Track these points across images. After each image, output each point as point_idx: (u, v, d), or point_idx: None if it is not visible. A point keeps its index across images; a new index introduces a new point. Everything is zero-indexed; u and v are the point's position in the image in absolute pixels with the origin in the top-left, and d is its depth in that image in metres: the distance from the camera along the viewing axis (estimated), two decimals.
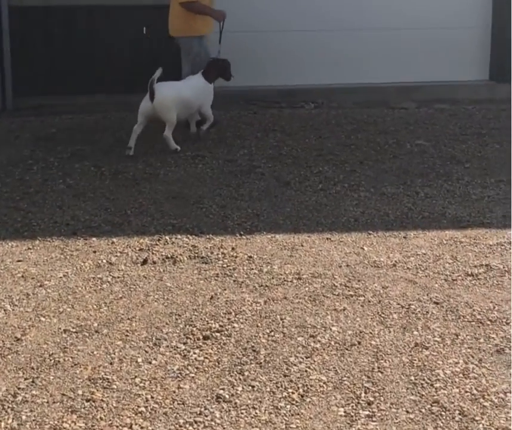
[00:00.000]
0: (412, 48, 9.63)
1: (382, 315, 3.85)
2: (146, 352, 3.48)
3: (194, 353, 3.46)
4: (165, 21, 7.71)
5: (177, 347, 3.51)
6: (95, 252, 4.68)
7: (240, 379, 3.26)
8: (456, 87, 9.54)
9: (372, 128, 8.06)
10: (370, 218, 5.39)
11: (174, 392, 3.16)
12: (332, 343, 3.56)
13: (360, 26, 9.59)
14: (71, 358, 3.42)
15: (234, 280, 4.28)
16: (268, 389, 3.19)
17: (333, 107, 9.09)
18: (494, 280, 4.29)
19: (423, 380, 3.27)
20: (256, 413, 3.03)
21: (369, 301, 4.00)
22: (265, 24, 9.38)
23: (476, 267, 4.49)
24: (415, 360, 3.42)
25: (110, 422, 2.96)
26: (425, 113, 8.70)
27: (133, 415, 3.01)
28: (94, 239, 4.90)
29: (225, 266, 4.48)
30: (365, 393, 3.17)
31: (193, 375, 3.29)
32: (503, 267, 4.46)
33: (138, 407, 3.06)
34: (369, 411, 3.05)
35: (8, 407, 3.06)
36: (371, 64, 9.62)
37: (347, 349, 3.50)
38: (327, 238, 4.99)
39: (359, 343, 3.56)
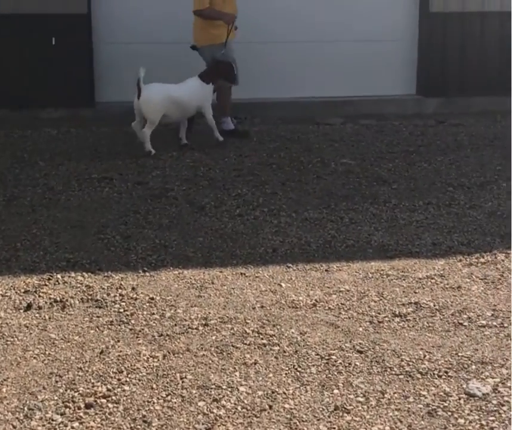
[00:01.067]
0: (338, 61, 9.26)
1: (299, 369, 3.35)
2: (14, 427, 2.89)
3: (72, 427, 2.88)
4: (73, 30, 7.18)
5: (52, 420, 2.92)
6: None
7: None
8: (383, 102, 9.21)
9: (296, 145, 7.61)
10: (290, 247, 4.90)
11: None
12: (239, 408, 3.03)
13: (284, 39, 9.17)
14: None
15: (130, 329, 3.71)
16: None
17: (256, 123, 8.63)
18: (424, 322, 3.84)
19: None
20: None
21: (284, 352, 3.50)
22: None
23: (404, 305, 4.04)
24: (334, 428, 2.92)
25: None
26: (350, 129, 8.31)
27: None
28: None
29: (122, 310, 3.91)
30: None
31: None
32: (434, 305, 4.02)
33: None
34: None
35: None
36: (297, 77, 9.21)
37: (255, 416, 2.98)
38: (241, 273, 4.47)
39: (270, 407, 3.04)
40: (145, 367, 3.34)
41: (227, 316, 3.85)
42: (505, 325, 3.78)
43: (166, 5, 8.88)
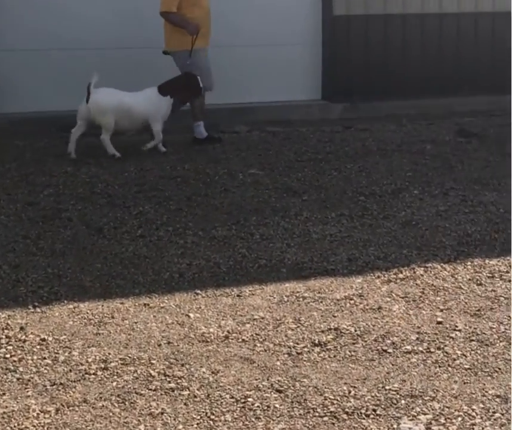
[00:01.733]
0: (241, 66, 8.93)
1: (212, 417, 2.97)
2: None
3: None
4: None
5: None
6: None
7: None
8: (289, 108, 8.95)
9: (201, 156, 7.23)
10: (198, 271, 4.52)
11: None
12: None
13: None
14: None
15: (18, 378, 3.25)
16: None
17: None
18: (346, 351, 3.54)
19: None
20: None
21: (195, 397, 3.12)
22: (96, 41, 8.37)
23: (324, 332, 3.72)
24: None
25: None
26: (257, 137, 8.01)
27: None
28: None
29: (8, 355, 3.44)
30: None
31: None
32: (355, 330, 3.73)
33: None
34: None
35: None
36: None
37: None
38: (144, 304, 4.06)
39: None
40: (34, 425, 2.89)
41: (129, 357, 3.44)
42: (432, 349, 3.53)
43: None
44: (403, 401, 3.08)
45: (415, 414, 3.00)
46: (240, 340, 3.65)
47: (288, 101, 9.08)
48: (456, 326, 3.76)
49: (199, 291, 4.22)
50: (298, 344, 3.60)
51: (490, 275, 4.46)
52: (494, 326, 3.76)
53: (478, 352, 3.50)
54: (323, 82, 9.38)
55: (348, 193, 6.12)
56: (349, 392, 3.16)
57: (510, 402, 3.04)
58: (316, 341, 3.62)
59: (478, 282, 4.36)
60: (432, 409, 3.02)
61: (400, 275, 4.46)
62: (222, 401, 3.08)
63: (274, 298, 4.14)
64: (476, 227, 5.28)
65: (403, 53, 9.70)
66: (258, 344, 3.60)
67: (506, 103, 9.79)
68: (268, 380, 3.25)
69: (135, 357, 3.44)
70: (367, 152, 7.50)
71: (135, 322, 3.82)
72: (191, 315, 3.92)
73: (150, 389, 3.16)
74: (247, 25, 8.95)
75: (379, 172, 6.73)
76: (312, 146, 7.69)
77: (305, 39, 9.28)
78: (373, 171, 6.77)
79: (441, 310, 3.97)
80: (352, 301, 4.09)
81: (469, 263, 4.64)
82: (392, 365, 3.40)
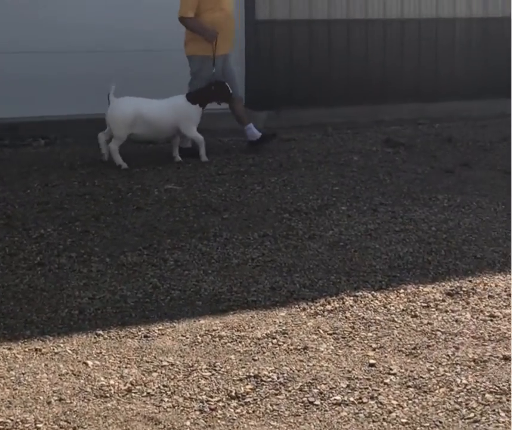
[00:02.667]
0: (161, 71, 8.38)
1: None
2: None
3: None
4: None
5: None
6: None
7: None
8: (210, 116, 8.41)
9: (113, 170, 6.67)
10: (101, 306, 3.99)
11: None
12: None
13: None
14: None
15: None
16: None
17: (69, 144, 7.61)
18: (267, 404, 3.07)
19: None
20: None
21: None
22: None
23: (242, 381, 3.25)
24: None
25: None
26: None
27: None
28: None
29: None
30: None
31: None
32: (278, 378, 3.27)
33: None
34: None
35: None
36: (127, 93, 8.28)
37: None
38: (36, 349, 3.51)
39: None
40: None
41: (12, 419, 2.90)
42: (364, 399, 3.10)
43: None
44: None
45: None
46: (145, 393, 3.15)
47: (209, 109, 8.57)
48: (391, 369, 3.34)
49: (100, 332, 3.70)
50: (212, 397, 3.12)
51: (425, 305, 4.08)
52: (433, 368, 3.36)
53: (416, 401, 3.10)
54: (246, 89, 8.92)
55: (272, 210, 5.68)
56: None
57: None
58: (233, 393, 3.15)
59: (413, 313, 3.97)
60: None
61: (328, 306, 4.04)
62: None
63: (187, 338, 3.65)
64: (408, 248, 4.91)
65: (328, 60, 9.35)
66: (166, 399, 3.11)
67: (431, 110, 9.58)
68: None
69: (18, 419, 2.91)
70: (293, 164, 7.08)
71: (23, 374, 3.27)
72: (90, 363, 3.39)
73: None
74: (165, 29, 8.44)
75: (304, 186, 6.32)
76: (234, 157, 7.23)
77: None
78: (298, 185, 6.36)
79: (374, 349, 3.55)
80: (274, 340, 3.64)
81: (402, 291, 4.25)
82: (320, 421, 2.96)
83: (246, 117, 7.55)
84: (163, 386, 3.20)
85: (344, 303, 4.09)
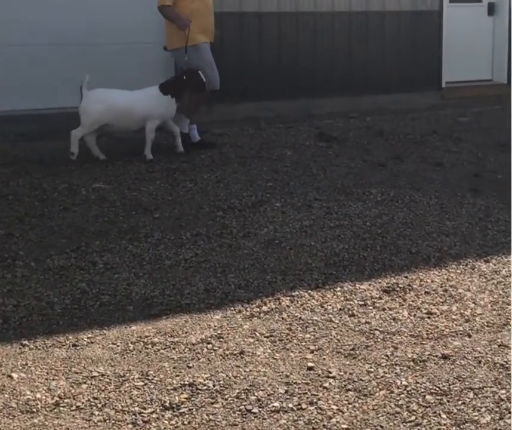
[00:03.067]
0: (92, 65, 8.14)
1: None
2: None
3: None
4: None
5: None
6: None
7: None
8: None
9: (38, 168, 6.43)
10: (26, 314, 3.79)
11: None
12: None
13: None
14: None
15: None
16: None
17: None
18: (203, 414, 2.94)
19: None
20: None
21: None
22: None
23: (176, 390, 3.11)
24: None
25: None
26: (104, 144, 7.26)
27: None
28: None
29: None
30: None
31: None
32: (214, 385, 3.14)
33: None
34: None
35: None
36: (39, 86, 8.00)
37: None
38: None
39: None
40: None
41: None
42: (303, 405, 3.00)
43: None
44: None
45: None
46: (74, 407, 2.97)
47: None
48: (330, 372, 3.25)
49: (26, 342, 3.50)
50: (145, 408, 2.97)
51: (362, 303, 4.01)
52: (372, 369, 3.29)
53: (356, 405, 3.01)
54: None
55: (205, 208, 5.55)
56: None
57: None
58: (167, 403, 3.00)
59: (350, 312, 3.89)
60: None
61: (264, 308, 3.93)
62: None
63: (118, 346, 3.49)
64: (343, 244, 4.85)
65: (259, 53, 9.26)
66: (96, 412, 2.95)
67: (363, 104, 9.60)
68: None
69: None
70: (225, 160, 6.96)
71: None
72: (15, 376, 3.20)
73: None
74: (99, 22, 8.22)
75: (238, 183, 6.21)
76: (165, 154, 7.06)
77: (158, 37, 8.61)
78: (231, 182, 6.24)
79: (312, 351, 3.46)
80: (210, 346, 3.51)
81: (338, 289, 4.18)
82: (259, 429, 2.86)
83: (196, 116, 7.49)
84: (93, 398, 3.04)
85: (280, 303, 3.99)
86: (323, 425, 2.88)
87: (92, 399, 3.03)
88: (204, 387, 3.13)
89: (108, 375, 3.21)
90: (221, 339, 3.57)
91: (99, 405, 2.99)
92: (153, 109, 6.78)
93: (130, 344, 3.50)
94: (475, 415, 2.94)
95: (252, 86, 9.13)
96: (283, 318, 3.82)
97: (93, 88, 6.64)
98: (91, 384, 3.15)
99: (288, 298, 4.05)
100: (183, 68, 7.03)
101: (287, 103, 9.25)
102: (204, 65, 7.07)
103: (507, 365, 3.32)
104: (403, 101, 9.87)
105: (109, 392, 3.09)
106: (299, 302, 4.01)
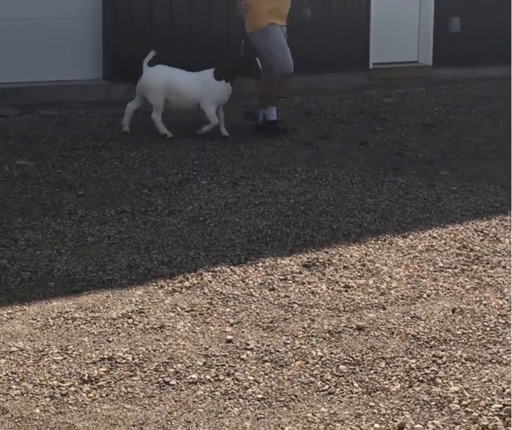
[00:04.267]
0: (9, 41, 7.98)
1: None
2: None
3: None
4: None
5: None
6: None
7: None
8: (66, 88, 8.15)
9: None
10: None
11: None
12: None
13: None
14: None
15: None
16: None
17: None
18: (121, 387, 2.97)
19: None
20: None
21: None
22: None
23: (95, 364, 3.13)
24: None
25: None
26: (29, 121, 7.16)
27: None
28: None
29: None
30: None
31: None
32: (133, 359, 3.17)
33: None
34: None
35: None
36: None
37: None
38: None
39: None
40: None
41: None
42: (221, 377, 3.07)
43: None
44: None
45: None
46: None
47: (65, 80, 8.27)
48: (248, 345, 3.33)
49: None
50: (63, 382, 3.00)
51: (283, 277, 4.10)
52: (289, 341, 3.38)
53: (272, 375, 3.10)
54: (105, 60, 8.65)
55: (131, 186, 5.55)
56: None
57: None
58: (86, 377, 3.03)
59: (271, 286, 3.98)
60: None
61: (186, 283, 3.98)
62: None
63: (38, 322, 3.49)
64: (267, 221, 4.93)
65: (190, 31, 9.22)
66: (14, 386, 2.96)
67: (292, 84, 9.67)
68: None
69: None
70: (153, 138, 6.93)
71: None
72: None
73: None
74: None
75: (165, 161, 6.21)
76: (91, 131, 7.00)
77: (84, 12, 8.50)
78: (158, 160, 6.24)
79: (231, 325, 3.53)
80: (130, 320, 3.54)
81: (260, 264, 4.26)
82: (176, 401, 2.91)
83: (271, 99, 7.28)
84: (12, 373, 3.04)
85: (202, 278, 4.04)
86: (239, 395, 2.96)
87: (10, 374, 3.04)
88: (124, 361, 3.17)
89: (27, 350, 3.22)
90: (142, 314, 3.61)
91: (17, 380, 3.00)
92: (205, 93, 6.76)
93: (50, 320, 3.51)
94: (386, 384, 3.06)
95: (183, 64, 9.07)
96: (204, 293, 3.88)
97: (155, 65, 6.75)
98: (10, 359, 3.15)
99: (210, 273, 4.11)
100: (241, 53, 7.01)
101: None
102: (273, 49, 6.94)
103: (418, 336, 3.46)
104: (331, 82, 9.98)
105: (27, 367, 3.10)
106: (221, 277, 4.07)
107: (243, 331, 3.47)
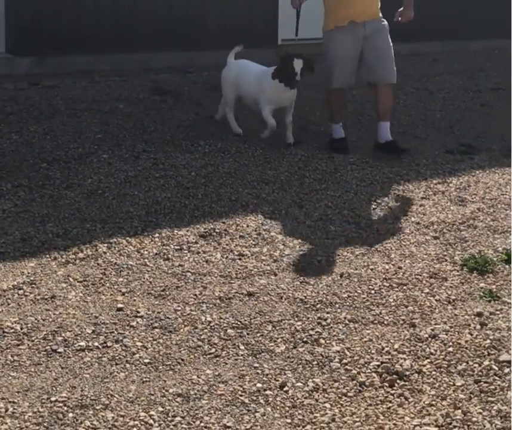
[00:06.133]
0: None
1: None
2: None
3: None
4: None
5: None
6: None
7: None
8: None
9: None
10: None
11: None
12: None
13: None
14: None
15: None
16: None
17: None
18: (7, 355, 2.97)
19: None
20: None
21: None
22: None
23: None
24: None
25: None
26: None
27: None
28: None
29: None
30: None
31: None
32: (21, 328, 3.17)
33: None
34: None
35: None
36: None
37: None
38: None
39: None
40: None
41: None
42: (109, 344, 3.11)
43: None
44: (70, 415, 2.63)
45: (85, 429, 2.56)
46: None
47: None
48: (138, 312, 3.38)
49: None
50: None
51: (178, 247, 4.15)
52: (180, 308, 3.44)
53: (161, 341, 3.16)
54: (7, 33, 8.46)
55: (29, 160, 5.47)
56: (7, 410, 2.63)
57: None
58: None
59: (165, 256, 4.02)
60: (105, 422, 2.60)
61: (80, 254, 3.98)
62: None
63: None
64: (166, 193, 4.95)
65: (96, 4, 9.10)
66: None
67: (201, 59, 9.68)
68: None
69: None
70: (55, 112, 6.84)
71: None
72: None
73: None
74: None
75: (66, 135, 6.14)
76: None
77: None
78: (59, 134, 6.16)
79: (123, 294, 3.57)
80: (21, 291, 3.53)
81: (156, 235, 4.29)
82: (62, 368, 2.93)
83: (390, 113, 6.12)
84: None
85: (97, 250, 4.05)
86: (126, 361, 3.00)
87: None
88: (12, 331, 3.16)
89: None
90: (33, 285, 3.60)
91: None
92: (260, 92, 6.08)
93: None
94: (271, 346, 3.16)
95: (89, 38, 8.97)
96: (98, 264, 3.89)
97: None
98: None
99: (105, 245, 4.12)
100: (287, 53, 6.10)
101: (124, 57, 9.16)
102: (328, 58, 5.97)
103: (306, 300, 3.57)
104: (241, 57, 10.04)
105: None
106: (116, 248, 4.09)
107: (134, 300, 3.50)
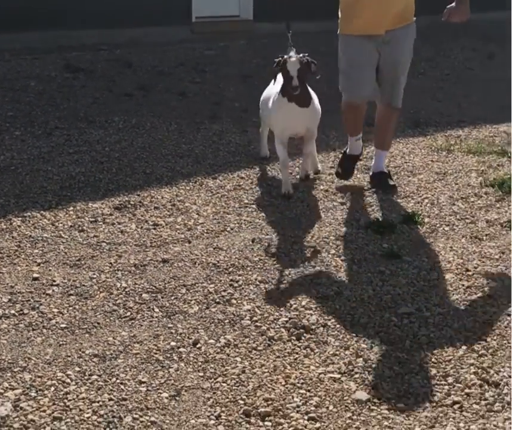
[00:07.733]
0: None
1: None
2: None
3: None
4: None
5: None
6: None
7: None
8: None
9: None
10: None
11: None
12: None
13: None
14: None
15: None
16: None
17: None
18: None
19: None
20: None
21: None
22: None
23: None
24: None
25: None
26: None
27: None
28: None
29: None
30: None
31: None
32: None
33: None
34: None
35: None
36: None
37: None
38: None
39: None
40: None
41: None
42: (25, 311, 3.17)
43: None
44: None
45: (2, 390, 2.63)
46: None
47: None
48: (54, 281, 3.45)
49: None
50: None
51: (93, 219, 4.22)
52: (95, 276, 3.53)
53: (77, 307, 3.24)
54: None
55: None
56: None
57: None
58: None
59: (80, 228, 4.09)
60: (23, 382, 2.68)
61: None
62: None
63: None
64: (80, 168, 5.00)
65: None
66: None
67: (115, 36, 9.64)
68: None
69: None
70: None
71: None
72: None
73: None
74: None
75: None
76: None
77: None
78: None
79: (39, 264, 3.62)
80: None
81: (71, 208, 4.35)
82: None
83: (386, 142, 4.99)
84: None
85: (11, 224, 4.08)
86: (43, 326, 3.08)
87: None
88: None
89: None
90: None
91: None
92: (268, 114, 4.91)
93: None
94: (185, 307, 3.29)
95: (1, 17, 8.82)
96: (12, 237, 3.93)
97: None
98: None
99: (20, 218, 4.15)
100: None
101: (36, 35, 9.05)
102: (341, 66, 4.75)
103: (219, 264, 3.71)
104: (154, 35, 10.03)
105: None
106: (30, 222, 4.12)
107: (50, 270, 3.57)
